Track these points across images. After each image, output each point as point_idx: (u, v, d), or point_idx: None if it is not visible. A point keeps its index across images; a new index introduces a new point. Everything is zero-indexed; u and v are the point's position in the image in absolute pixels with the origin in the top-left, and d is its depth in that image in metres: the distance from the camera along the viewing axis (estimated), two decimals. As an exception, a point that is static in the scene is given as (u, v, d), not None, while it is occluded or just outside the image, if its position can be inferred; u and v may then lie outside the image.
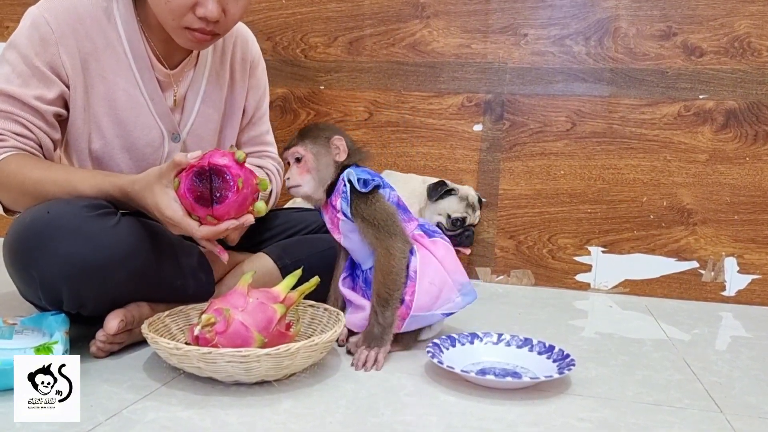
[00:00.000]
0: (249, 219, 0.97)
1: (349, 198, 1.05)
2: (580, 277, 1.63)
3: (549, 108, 1.62)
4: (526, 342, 1.06)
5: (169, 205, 0.94)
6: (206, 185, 0.94)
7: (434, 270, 1.08)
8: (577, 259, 1.63)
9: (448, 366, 0.95)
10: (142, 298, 1.05)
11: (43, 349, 0.90)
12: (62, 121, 1.11)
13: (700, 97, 1.54)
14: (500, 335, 1.09)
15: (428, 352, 1.00)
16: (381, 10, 1.69)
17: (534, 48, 1.62)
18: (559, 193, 1.63)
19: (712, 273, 1.56)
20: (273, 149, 1.40)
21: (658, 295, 1.59)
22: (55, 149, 1.11)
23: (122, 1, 1.11)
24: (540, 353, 1.04)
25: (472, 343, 1.07)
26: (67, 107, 1.10)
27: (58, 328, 0.98)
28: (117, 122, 1.13)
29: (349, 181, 1.06)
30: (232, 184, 0.93)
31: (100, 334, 1.00)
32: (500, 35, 1.64)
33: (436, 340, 1.05)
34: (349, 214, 1.06)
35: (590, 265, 1.63)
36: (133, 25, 1.12)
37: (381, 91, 1.72)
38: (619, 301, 1.55)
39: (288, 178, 1.10)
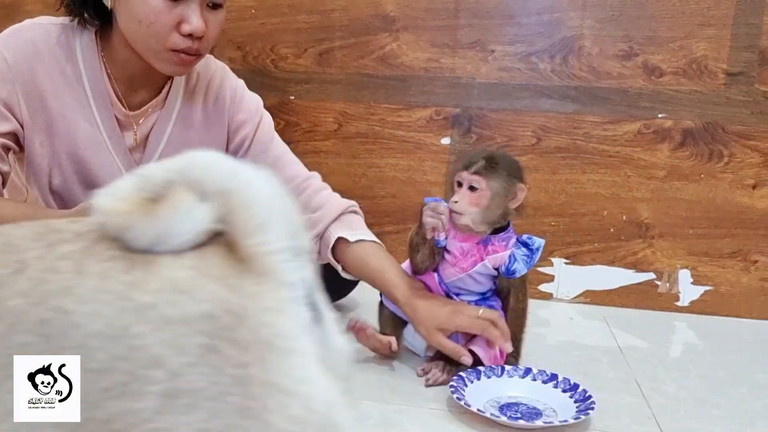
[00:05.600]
0: None
1: (531, 264, 1.11)
2: (544, 287, 1.70)
3: (515, 123, 1.67)
4: (552, 378, 1.09)
5: None
6: None
7: None
8: (540, 270, 1.69)
9: (465, 403, 0.98)
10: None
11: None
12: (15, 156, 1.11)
13: (659, 116, 1.60)
14: (528, 370, 1.11)
15: (451, 387, 1.03)
16: (351, 22, 1.71)
17: (501, 64, 1.66)
18: (524, 205, 1.67)
19: (668, 284, 1.64)
20: (302, 168, 1.32)
21: (616, 304, 1.66)
22: (4, 182, 1.08)
23: (85, 38, 1.10)
24: (564, 391, 1.06)
25: (500, 376, 1.09)
26: (19, 144, 1.09)
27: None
28: (76, 159, 1.12)
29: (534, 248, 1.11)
30: None
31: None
32: (468, 50, 1.67)
33: (462, 373, 1.08)
34: (518, 273, 1.10)
35: (553, 276, 1.69)
36: (95, 62, 1.10)
37: (351, 103, 1.74)
38: (580, 311, 1.62)
39: (456, 202, 1.07)
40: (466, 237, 1.11)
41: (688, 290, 1.63)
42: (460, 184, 1.09)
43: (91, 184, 1.14)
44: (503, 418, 0.98)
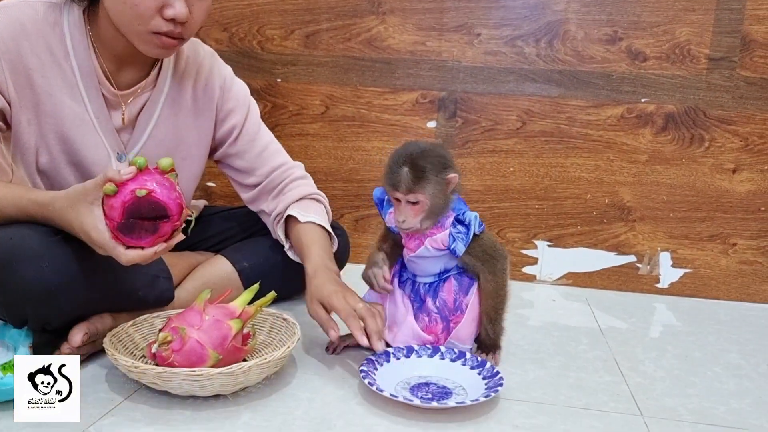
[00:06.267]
0: (177, 239, 0.96)
1: (468, 240, 1.07)
2: (527, 269, 1.72)
3: (500, 107, 1.68)
4: (460, 356, 1.10)
5: (95, 226, 0.91)
6: (139, 216, 0.91)
7: (480, 308, 1.14)
8: (524, 252, 1.72)
9: (378, 388, 0.97)
10: (104, 311, 1.09)
11: (9, 367, 0.94)
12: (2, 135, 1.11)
13: (642, 100, 1.62)
14: (436, 348, 1.12)
15: (361, 371, 1.02)
16: (337, 4, 1.70)
17: (487, 47, 1.66)
18: (509, 189, 1.70)
19: (648, 266, 1.67)
20: (285, 157, 1.36)
21: (598, 286, 1.69)
22: None
23: (73, 16, 1.10)
24: (473, 368, 1.07)
25: (408, 357, 1.10)
26: (6, 123, 1.09)
27: (21, 342, 1.01)
28: (63, 139, 1.12)
29: (467, 224, 1.08)
30: (167, 217, 0.92)
31: (64, 347, 1.04)
32: (454, 34, 1.67)
33: (371, 356, 1.08)
34: (458, 252, 1.08)
35: (536, 258, 1.71)
36: (83, 40, 1.10)
37: (337, 86, 1.74)
38: (563, 293, 1.65)
39: (403, 221, 1.07)
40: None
41: (668, 272, 1.66)
42: (398, 200, 1.08)
43: (78, 164, 1.15)
44: (433, 402, 0.98)
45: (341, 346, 1.18)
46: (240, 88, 1.32)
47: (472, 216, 1.09)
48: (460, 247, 1.08)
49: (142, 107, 1.19)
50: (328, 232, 1.29)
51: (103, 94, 1.14)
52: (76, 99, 1.12)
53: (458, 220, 1.09)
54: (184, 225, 0.97)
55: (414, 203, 1.07)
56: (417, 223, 1.08)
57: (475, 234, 1.09)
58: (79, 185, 0.94)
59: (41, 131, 1.11)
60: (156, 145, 1.21)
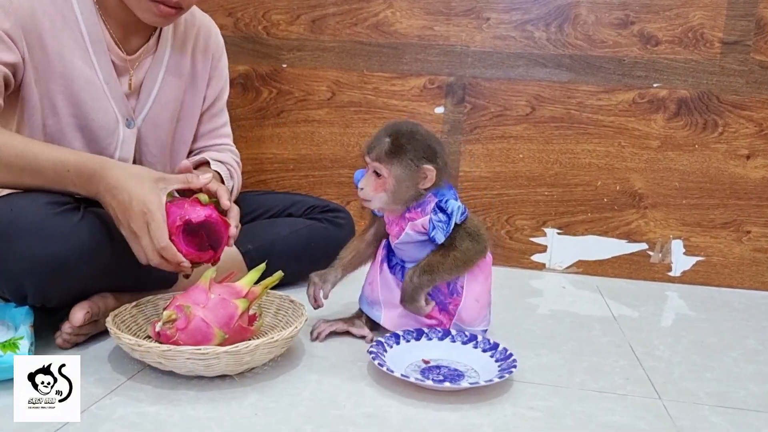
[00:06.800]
0: (191, 272, 1.02)
1: (448, 230, 1.03)
2: (536, 257, 1.69)
3: (509, 92, 1.65)
4: (471, 338, 1.08)
5: (158, 202, 0.94)
6: (205, 230, 1.02)
7: (481, 287, 1.10)
8: (533, 240, 1.69)
9: (388, 369, 0.95)
10: (106, 289, 1.07)
11: (9, 345, 0.92)
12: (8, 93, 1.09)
13: (654, 85, 1.59)
14: (446, 332, 1.09)
15: (370, 353, 1.00)
16: (344, -12, 1.68)
17: (496, 32, 1.64)
18: (518, 175, 1.67)
19: (660, 254, 1.64)
20: (230, 141, 1.42)
21: (609, 275, 1.66)
22: None
23: None
24: (485, 351, 1.05)
25: (418, 339, 1.08)
26: (16, 78, 1.07)
27: (22, 321, 0.99)
28: (72, 102, 1.12)
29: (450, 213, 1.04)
30: (215, 250, 1.03)
31: (65, 327, 1.01)
32: (463, 18, 1.65)
33: (380, 338, 1.06)
34: (438, 241, 1.04)
35: (546, 246, 1.68)
36: (90, 7, 1.11)
37: (344, 71, 1.72)
38: (573, 281, 1.62)
39: (362, 188, 1.04)
40: (390, 212, 1.09)
41: (681, 260, 1.63)
42: (366, 165, 1.05)
43: (85, 129, 1.14)
44: (439, 383, 0.96)
45: (325, 332, 1.14)
46: (226, 63, 1.38)
47: (455, 206, 1.03)
48: (440, 236, 1.03)
49: (146, 73, 1.20)
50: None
51: (111, 60, 1.14)
52: (86, 63, 1.12)
53: (440, 208, 1.04)
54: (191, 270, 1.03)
55: (378, 176, 1.04)
56: (374, 198, 1.04)
57: (456, 223, 1.04)
58: (150, 170, 0.99)
59: (49, 92, 1.10)
60: (161, 109, 1.23)
